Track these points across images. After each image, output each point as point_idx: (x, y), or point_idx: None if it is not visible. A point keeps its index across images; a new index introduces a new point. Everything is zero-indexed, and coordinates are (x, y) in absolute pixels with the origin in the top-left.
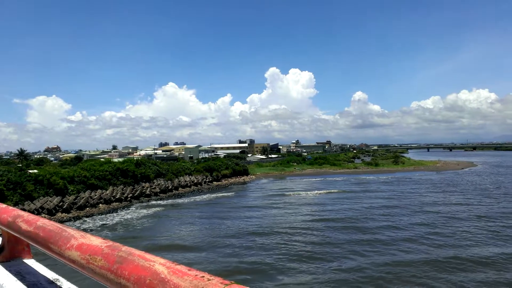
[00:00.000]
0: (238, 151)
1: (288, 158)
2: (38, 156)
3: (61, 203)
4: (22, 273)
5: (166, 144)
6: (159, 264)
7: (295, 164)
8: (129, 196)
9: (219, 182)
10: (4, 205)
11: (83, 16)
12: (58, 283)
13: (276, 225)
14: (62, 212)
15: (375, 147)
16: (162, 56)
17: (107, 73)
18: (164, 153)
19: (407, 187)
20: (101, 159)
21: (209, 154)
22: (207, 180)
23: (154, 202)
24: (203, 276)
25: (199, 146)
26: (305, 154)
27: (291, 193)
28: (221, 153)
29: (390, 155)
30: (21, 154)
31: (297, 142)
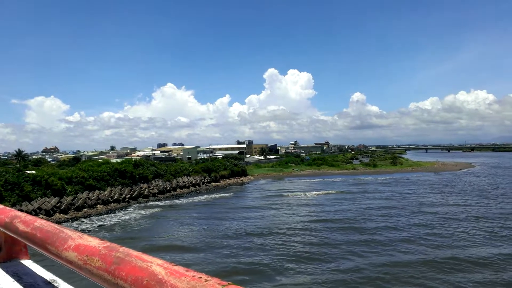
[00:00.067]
0: (236, 152)
1: (287, 159)
2: (36, 157)
3: (59, 204)
4: (19, 274)
5: (164, 145)
6: (157, 265)
7: (294, 165)
8: (127, 197)
9: (217, 183)
10: (1, 206)
11: (83, 16)
12: (56, 284)
13: (274, 225)
14: (59, 213)
15: (373, 148)
16: (162, 56)
17: (106, 74)
18: (162, 154)
19: (405, 188)
20: (99, 160)
21: (208, 155)
22: (205, 181)
23: (152, 203)
24: (201, 277)
25: (198, 147)
26: (304, 155)
27: (289, 194)
28: (220, 154)
29: (388, 156)
30: (19, 154)
31: (296, 143)
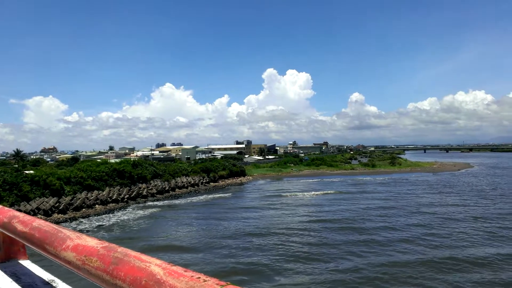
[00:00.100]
0: (235, 152)
1: (285, 159)
2: (34, 157)
3: (57, 204)
4: (17, 274)
5: (163, 145)
6: (155, 265)
7: (292, 165)
8: (125, 197)
9: (216, 183)
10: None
11: (82, 16)
12: (54, 284)
13: (273, 226)
14: (58, 213)
15: (372, 148)
16: (161, 56)
17: (104, 74)
18: (161, 154)
19: (403, 188)
20: (98, 160)
21: (206, 155)
22: (204, 181)
23: (150, 203)
24: (199, 277)
25: (196, 147)
26: (302, 155)
27: (288, 194)
28: (218, 154)
29: (387, 156)
30: (17, 154)
31: (294, 143)
